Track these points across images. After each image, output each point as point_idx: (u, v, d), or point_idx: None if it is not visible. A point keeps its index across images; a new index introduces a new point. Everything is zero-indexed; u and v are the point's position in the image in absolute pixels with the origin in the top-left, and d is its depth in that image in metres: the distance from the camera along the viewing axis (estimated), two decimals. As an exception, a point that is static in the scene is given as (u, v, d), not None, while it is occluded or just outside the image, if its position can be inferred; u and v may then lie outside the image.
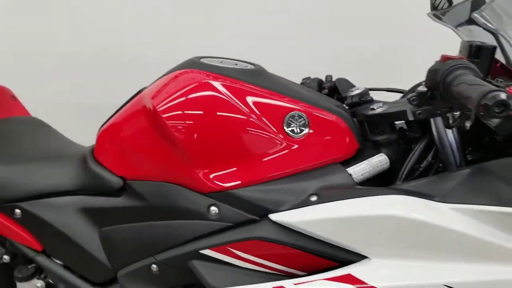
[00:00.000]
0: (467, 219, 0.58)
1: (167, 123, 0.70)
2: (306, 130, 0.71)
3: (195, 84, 0.71)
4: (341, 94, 0.89)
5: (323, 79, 0.96)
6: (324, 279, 0.62)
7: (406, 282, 0.59)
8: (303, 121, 0.71)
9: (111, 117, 0.84)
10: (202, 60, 0.77)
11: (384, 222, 0.59)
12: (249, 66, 0.77)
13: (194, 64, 0.76)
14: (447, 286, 0.58)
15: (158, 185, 0.75)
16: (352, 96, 0.83)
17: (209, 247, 0.70)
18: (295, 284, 0.63)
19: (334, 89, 0.92)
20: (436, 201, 0.60)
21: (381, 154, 0.74)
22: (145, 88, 0.80)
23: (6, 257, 0.87)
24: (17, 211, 0.83)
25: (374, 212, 0.60)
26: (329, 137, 0.72)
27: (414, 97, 0.68)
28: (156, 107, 0.71)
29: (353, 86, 0.91)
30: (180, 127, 0.70)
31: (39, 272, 0.87)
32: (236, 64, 0.76)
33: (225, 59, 0.79)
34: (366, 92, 0.84)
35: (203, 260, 0.71)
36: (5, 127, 0.98)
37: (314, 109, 0.72)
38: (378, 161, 0.73)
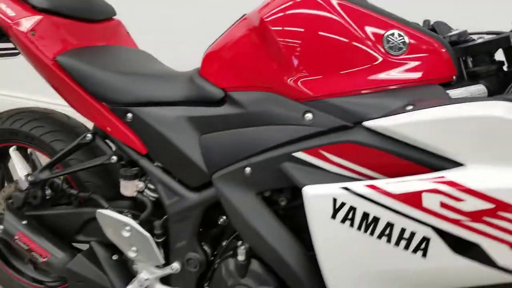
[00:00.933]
0: None
1: (272, 29, 0.75)
2: (404, 49, 0.73)
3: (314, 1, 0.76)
4: None
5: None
6: (418, 179, 0.64)
7: (505, 186, 0.59)
8: (403, 40, 0.73)
9: (216, 40, 0.92)
10: None
11: (484, 124, 0.60)
12: None
13: None
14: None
15: (257, 94, 0.81)
16: (451, 36, 0.83)
17: (302, 150, 0.75)
18: (387, 183, 0.66)
19: None
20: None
21: (480, 84, 0.74)
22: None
23: (114, 158, 0.98)
24: (129, 115, 0.94)
25: (474, 113, 0.61)
26: (427, 58, 0.73)
27: None
28: (263, 17, 0.77)
29: (451, 29, 0.91)
30: (284, 35, 0.75)
31: (141, 174, 0.98)
32: None
33: None
34: (465, 32, 0.84)
35: (295, 162, 0.76)
36: (119, 50, 1.10)
37: (414, 30, 0.74)
38: (476, 90, 0.74)
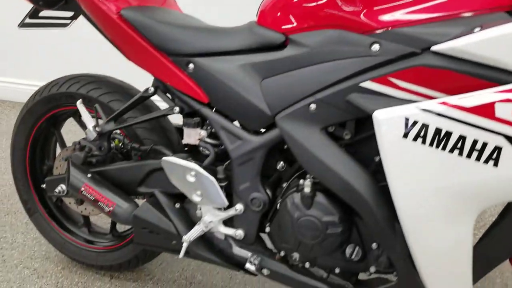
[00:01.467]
0: None
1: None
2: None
3: None
4: None
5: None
6: (491, 92, 0.68)
7: None
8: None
9: None
10: None
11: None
12: None
13: None
14: None
15: (319, 33, 0.86)
16: None
17: (370, 79, 0.79)
18: (459, 98, 0.70)
19: None
20: None
21: None
22: None
23: (176, 109, 1.03)
24: (191, 65, 0.98)
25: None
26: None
27: None
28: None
29: None
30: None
31: (202, 122, 1.02)
32: None
33: None
34: None
35: (362, 92, 0.80)
36: (174, 12, 1.14)
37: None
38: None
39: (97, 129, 1.06)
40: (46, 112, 1.26)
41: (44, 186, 1.24)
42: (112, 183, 1.12)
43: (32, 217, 1.38)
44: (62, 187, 1.19)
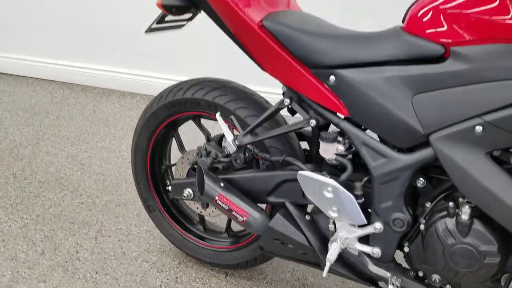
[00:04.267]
0: None
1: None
2: None
3: None
4: None
5: None
6: None
7: None
8: None
9: None
10: None
11: None
12: None
13: None
14: None
15: (490, 47, 0.78)
16: None
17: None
18: None
19: None
20: None
21: None
22: None
23: (313, 122, 1.01)
24: (332, 77, 0.94)
25: None
26: None
27: None
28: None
29: None
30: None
31: (341, 136, 0.99)
32: None
33: None
34: None
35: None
36: (302, 14, 1.10)
37: None
38: None
39: (236, 142, 1.07)
40: (170, 116, 1.28)
41: (169, 188, 1.28)
42: (240, 191, 1.13)
43: (151, 214, 1.44)
44: (189, 191, 1.23)
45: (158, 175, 1.42)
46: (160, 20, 1.19)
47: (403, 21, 0.93)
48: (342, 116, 0.97)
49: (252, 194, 1.12)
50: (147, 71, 2.70)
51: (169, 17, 1.21)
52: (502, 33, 0.77)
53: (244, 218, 1.08)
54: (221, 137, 1.26)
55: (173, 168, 1.38)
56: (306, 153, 1.19)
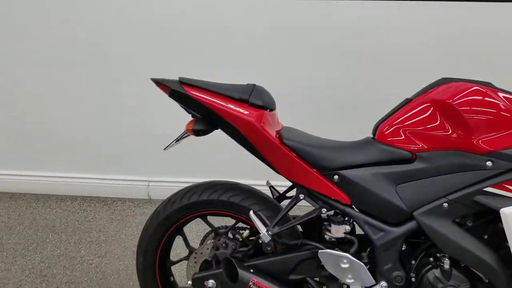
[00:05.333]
0: None
1: (460, 109, 1.18)
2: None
3: (470, 89, 1.20)
4: None
5: None
6: None
7: None
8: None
9: (386, 117, 1.32)
10: (449, 77, 1.27)
11: None
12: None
13: (448, 79, 1.26)
14: None
15: (444, 152, 1.22)
16: None
17: (490, 185, 1.16)
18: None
19: None
20: None
21: None
22: (410, 97, 1.30)
23: (324, 210, 1.32)
24: (336, 176, 1.29)
25: None
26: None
27: None
28: (449, 101, 1.19)
29: None
30: (469, 113, 1.18)
31: (346, 219, 1.32)
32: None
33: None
34: None
35: (486, 195, 1.17)
36: (295, 129, 1.45)
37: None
38: None
39: (269, 232, 1.31)
40: (183, 216, 1.46)
41: (190, 283, 1.42)
42: (264, 274, 1.35)
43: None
44: (212, 282, 1.39)
45: (164, 274, 1.54)
46: (180, 138, 1.42)
47: (373, 133, 1.34)
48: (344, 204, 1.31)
49: (275, 275, 1.35)
50: (82, 173, 2.73)
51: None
52: (452, 145, 1.22)
53: (286, 298, 1.30)
54: (227, 230, 1.48)
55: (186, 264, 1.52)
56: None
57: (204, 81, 1.35)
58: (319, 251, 1.28)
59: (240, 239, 1.47)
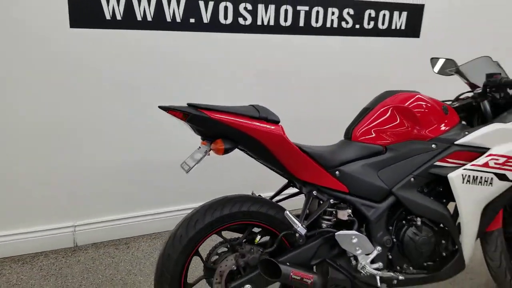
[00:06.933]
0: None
1: (414, 110, 1.69)
2: (447, 112, 1.80)
3: (415, 96, 1.73)
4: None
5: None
6: (485, 157, 1.71)
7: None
8: (446, 107, 1.80)
9: (356, 122, 1.75)
10: (391, 90, 1.79)
11: (501, 131, 1.74)
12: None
13: (391, 92, 1.77)
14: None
15: (405, 143, 1.71)
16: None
17: (438, 160, 1.70)
18: (476, 161, 1.70)
19: None
20: None
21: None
22: (367, 106, 1.77)
23: (331, 200, 1.64)
24: (337, 172, 1.63)
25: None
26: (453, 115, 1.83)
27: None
28: (406, 105, 1.69)
29: None
30: (417, 112, 1.69)
31: (348, 205, 1.66)
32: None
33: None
34: None
35: (436, 168, 1.70)
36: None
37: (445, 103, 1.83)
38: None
39: (304, 226, 1.52)
40: (205, 235, 1.55)
41: None
42: (296, 264, 1.57)
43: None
44: (249, 286, 1.52)
45: None
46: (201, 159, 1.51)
47: (346, 135, 1.75)
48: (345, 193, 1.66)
49: (302, 264, 1.59)
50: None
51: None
52: (410, 137, 1.71)
53: (311, 280, 1.54)
54: (242, 239, 1.63)
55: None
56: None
57: (211, 104, 1.48)
58: (336, 233, 1.59)
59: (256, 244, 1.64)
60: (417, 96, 1.75)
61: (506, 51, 3.31)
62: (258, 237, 1.67)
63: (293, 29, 2.70)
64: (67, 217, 2.41)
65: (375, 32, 2.92)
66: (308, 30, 2.74)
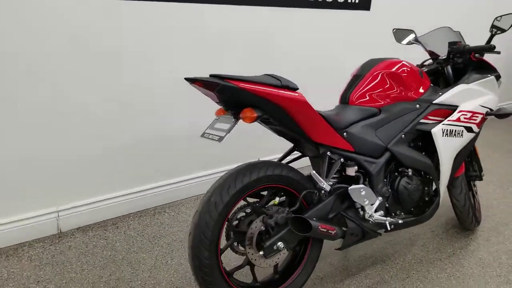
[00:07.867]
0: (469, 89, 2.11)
1: (402, 75, 1.91)
2: (423, 76, 2.07)
3: (401, 62, 1.96)
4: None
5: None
6: (456, 113, 2.02)
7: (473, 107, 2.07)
8: (421, 72, 2.06)
9: (350, 88, 1.93)
10: (375, 58, 2.00)
11: (466, 89, 2.05)
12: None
13: (376, 59, 1.99)
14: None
15: (395, 104, 1.94)
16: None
17: (422, 118, 1.96)
18: (451, 117, 2.00)
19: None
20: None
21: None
22: (357, 73, 1.96)
23: (341, 159, 1.81)
24: (345, 133, 1.81)
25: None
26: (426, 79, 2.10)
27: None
28: (394, 70, 1.91)
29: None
30: (404, 76, 1.93)
31: (354, 162, 1.85)
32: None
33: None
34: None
35: (421, 124, 1.96)
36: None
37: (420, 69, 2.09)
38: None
39: (329, 183, 1.66)
40: (236, 201, 1.62)
41: (262, 253, 1.62)
42: (320, 219, 1.73)
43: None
44: (280, 243, 1.65)
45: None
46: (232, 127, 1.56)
47: (343, 100, 1.93)
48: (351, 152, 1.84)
49: (322, 218, 1.75)
50: None
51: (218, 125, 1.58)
52: (399, 99, 1.94)
53: (334, 231, 1.71)
54: (265, 202, 1.74)
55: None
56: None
57: (234, 75, 1.54)
58: (349, 188, 1.78)
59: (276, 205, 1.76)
60: (402, 62, 1.98)
61: (455, 23, 3.76)
62: (277, 198, 1.79)
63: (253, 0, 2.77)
64: (49, 203, 2.26)
65: (328, 4, 3.12)
66: (262, 1, 2.83)
